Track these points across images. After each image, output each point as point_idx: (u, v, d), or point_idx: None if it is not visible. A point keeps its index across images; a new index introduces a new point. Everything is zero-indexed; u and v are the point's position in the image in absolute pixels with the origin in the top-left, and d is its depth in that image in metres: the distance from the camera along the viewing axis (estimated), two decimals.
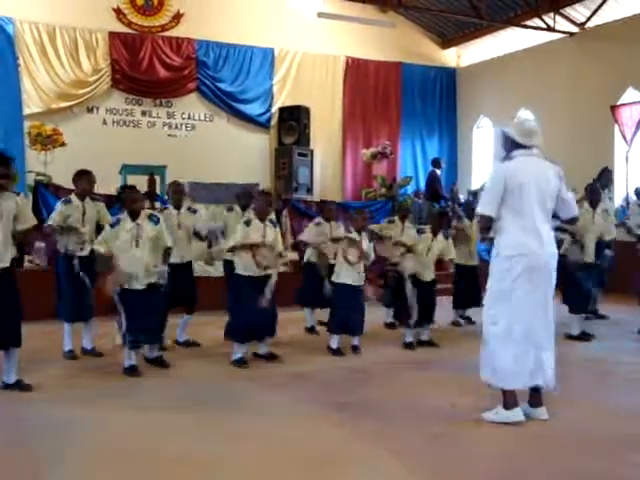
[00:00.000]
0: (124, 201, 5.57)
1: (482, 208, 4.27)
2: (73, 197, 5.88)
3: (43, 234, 5.97)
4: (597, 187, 7.11)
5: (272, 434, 4.01)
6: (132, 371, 5.31)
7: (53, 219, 5.76)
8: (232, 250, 5.68)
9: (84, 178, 5.93)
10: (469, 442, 3.89)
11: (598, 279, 7.23)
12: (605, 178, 8.04)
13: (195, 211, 6.50)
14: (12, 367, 4.85)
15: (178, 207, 6.35)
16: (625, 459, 3.66)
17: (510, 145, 4.32)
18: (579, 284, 6.73)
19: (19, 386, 4.83)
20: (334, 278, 6.20)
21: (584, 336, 6.87)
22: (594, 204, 6.99)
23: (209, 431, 4.06)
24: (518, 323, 4.16)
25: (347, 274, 6.09)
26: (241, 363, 5.66)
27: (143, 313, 5.23)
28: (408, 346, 6.44)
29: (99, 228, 5.77)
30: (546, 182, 4.23)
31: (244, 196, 6.66)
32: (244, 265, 5.66)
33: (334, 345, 6.19)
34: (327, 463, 3.57)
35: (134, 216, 5.36)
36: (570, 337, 6.79)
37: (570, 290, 6.77)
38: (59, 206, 5.83)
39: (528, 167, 4.22)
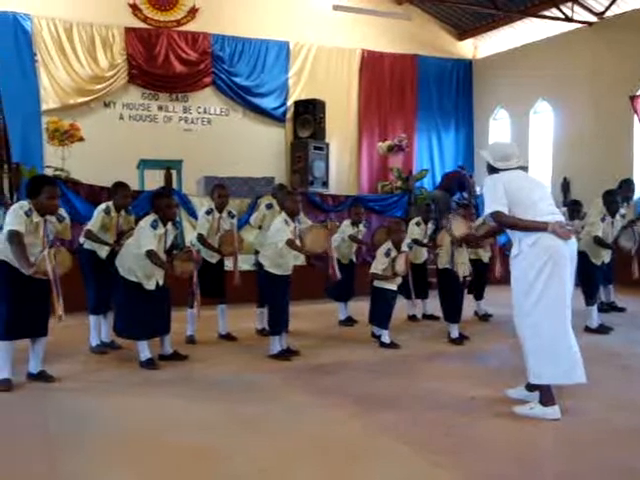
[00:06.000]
0: (159, 205, 5.36)
1: (489, 207, 4.15)
2: (111, 207, 5.92)
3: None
4: (617, 199, 7.09)
5: (288, 426, 4.02)
6: (150, 364, 5.36)
7: (93, 226, 5.85)
8: (289, 243, 5.61)
9: (119, 192, 5.97)
10: (488, 435, 3.88)
11: (608, 275, 7.64)
12: (626, 190, 7.83)
13: (233, 216, 6.58)
14: (38, 358, 4.95)
15: (220, 210, 6.41)
16: None
17: (489, 170, 4.36)
18: (594, 278, 6.94)
19: (42, 377, 4.92)
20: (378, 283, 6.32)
21: (602, 329, 6.85)
22: (613, 214, 7.04)
23: (225, 422, 4.08)
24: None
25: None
26: (285, 355, 5.72)
27: (158, 307, 5.41)
28: (455, 341, 6.40)
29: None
30: (542, 185, 4.41)
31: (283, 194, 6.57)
32: (276, 264, 5.73)
33: (388, 339, 6.25)
34: (345, 456, 3.57)
35: (165, 221, 5.37)
36: (589, 330, 6.77)
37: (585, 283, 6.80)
38: (100, 215, 5.86)
39: (519, 177, 4.25)
